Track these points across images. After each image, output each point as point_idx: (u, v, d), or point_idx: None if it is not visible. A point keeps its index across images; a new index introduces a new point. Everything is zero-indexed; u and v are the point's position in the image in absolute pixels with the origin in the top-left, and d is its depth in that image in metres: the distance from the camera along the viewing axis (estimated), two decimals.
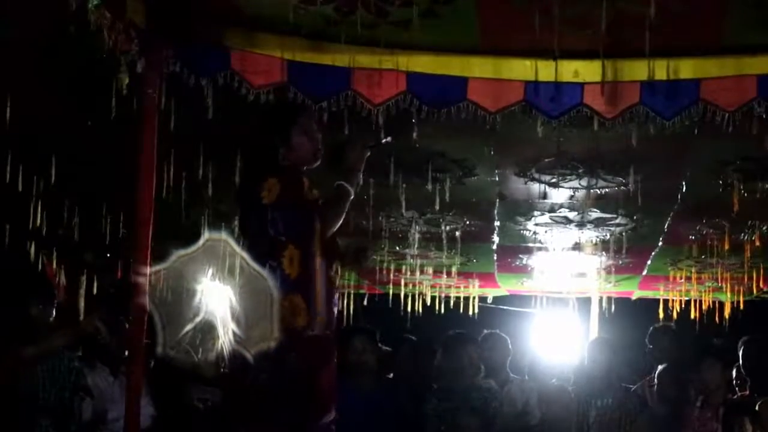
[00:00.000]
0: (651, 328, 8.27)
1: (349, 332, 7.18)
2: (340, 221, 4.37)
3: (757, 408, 6.64)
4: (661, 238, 8.90)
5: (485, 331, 7.94)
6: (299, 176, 4.34)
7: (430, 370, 7.64)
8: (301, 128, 4.48)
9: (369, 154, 4.55)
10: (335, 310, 4.45)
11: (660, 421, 7.12)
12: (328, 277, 4.35)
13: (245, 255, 4.23)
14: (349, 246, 4.68)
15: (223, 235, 4.63)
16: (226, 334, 4.30)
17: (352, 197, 4.42)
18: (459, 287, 11.83)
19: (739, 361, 7.54)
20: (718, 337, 8.44)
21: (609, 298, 12.10)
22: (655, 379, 7.38)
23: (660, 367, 7.41)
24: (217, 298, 4.49)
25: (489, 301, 12.74)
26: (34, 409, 5.96)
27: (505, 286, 12.20)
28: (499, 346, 7.71)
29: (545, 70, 4.96)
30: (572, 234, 8.88)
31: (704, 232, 8.54)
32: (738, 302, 11.23)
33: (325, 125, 4.81)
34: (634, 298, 12.58)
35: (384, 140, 4.78)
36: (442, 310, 11.81)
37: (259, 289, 4.16)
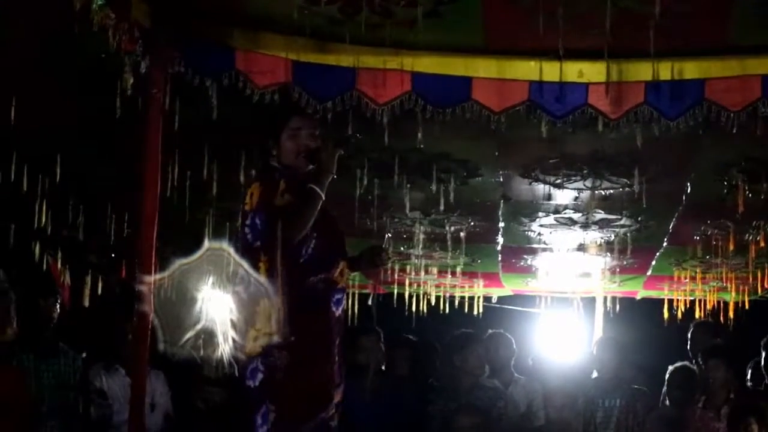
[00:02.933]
0: (692, 324, 8.31)
1: (355, 332, 7.17)
2: (308, 225, 4.24)
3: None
4: (665, 239, 8.89)
5: (490, 331, 7.94)
6: (278, 181, 4.27)
7: (432, 370, 7.65)
8: (290, 132, 4.40)
9: (340, 153, 4.44)
10: (336, 310, 4.41)
11: (667, 422, 7.12)
12: (300, 282, 4.27)
13: (241, 261, 4.22)
14: (365, 248, 4.63)
15: (224, 243, 4.61)
16: (226, 340, 4.30)
17: (322, 200, 4.30)
18: (463, 287, 11.82)
19: (761, 359, 7.51)
20: (721, 336, 8.43)
21: (613, 298, 12.09)
22: (666, 380, 7.38)
23: (670, 368, 7.41)
24: (219, 303, 4.48)
25: (494, 300, 12.73)
26: (40, 410, 5.96)
27: (509, 286, 12.19)
28: (504, 346, 7.71)
29: (550, 71, 4.95)
30: (577, 235, 8.87)
31: (709, 232, 8.54)
32: (743, 302, 11.22)
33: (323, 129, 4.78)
34: (638, 298, 12.57)
35: (353, 137, 4.74)
36: (447, 310, 11.80)
37: (255, 294, 4.16)
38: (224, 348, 4.35)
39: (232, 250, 4.33)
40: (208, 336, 6.35)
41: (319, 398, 4.28)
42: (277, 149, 4.37)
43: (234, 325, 4.24)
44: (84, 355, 6.64)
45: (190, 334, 6.13)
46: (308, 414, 4.23)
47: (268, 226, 4.16)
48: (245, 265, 4.15)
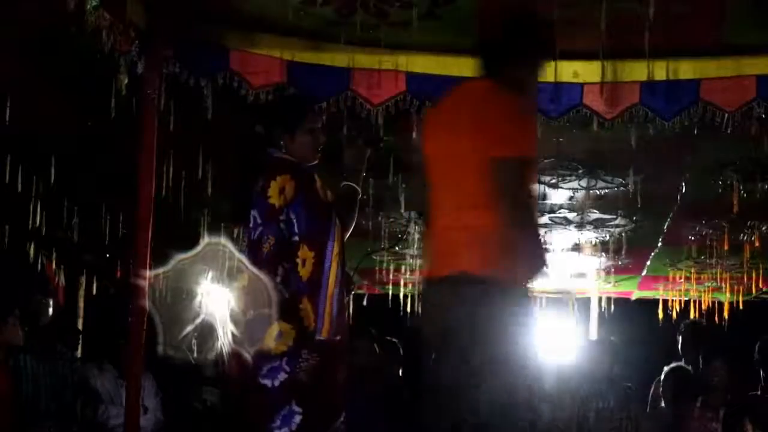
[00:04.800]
0: (682, 324, 8.31)
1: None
2: (354, 221, 4.30)
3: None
4: (660, 239, 8.90)
5: None
6: (312, 175, 4.24)
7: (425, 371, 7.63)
8: (307, 126, 4.36)
9: (370, 152, 4.45)
10: (345, 312, 4.40)
11: (662, 422, 7.12)
12: (343, 279, 4.26)
13: (244, 258, 4.15)
14: None
15: (223, 239, 4.56)
16: (225, 335, 4.25)
17: (360, 196, 4.35)
18: None
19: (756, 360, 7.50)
20: (712, 337, 8.42)
21: (608, 299, 12.09)
22: (661, 380, 7.38)
23: (666, 368, 7.41)
24: (217, 300, 4.44)
25: None
26: (37, 411, 5.95)
27: None
28: None
29: (545, 71, 4.94)
30: (572, 234, 8.87)
31: (703, 232, 8.54)
32: (737, 302, 11.23)
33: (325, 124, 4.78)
34: (633, 298, 12.58)
35: (383, 138, 4.71)
36: None
37: (259, 291, 4.10)
38: (223, 346, 4.30)
39: (232, 248, 4.27)
40: (206, 332, 6.36)
41: (342, 399, 4.23)
42: (289, 143, 4.28)
43: (235, 323, 4.17)
44: (79, 355, 6.64)
45: (187, 329, 6.15)
46: (335, 415, 4.17)
47: (316, 219, 4.10)
48: (281, 262, 4.06)
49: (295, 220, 4.07)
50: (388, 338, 7.99)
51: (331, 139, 4.51)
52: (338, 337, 4.14)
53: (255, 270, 4.03)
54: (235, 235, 4.50)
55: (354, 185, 4.30)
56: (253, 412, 4.11)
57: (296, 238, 4.06)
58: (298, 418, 4.02)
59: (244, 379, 4.12)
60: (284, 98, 4.66)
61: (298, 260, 4.05)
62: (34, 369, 6.04)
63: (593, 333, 12.16)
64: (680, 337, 8.07)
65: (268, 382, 4.04)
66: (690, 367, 7.45)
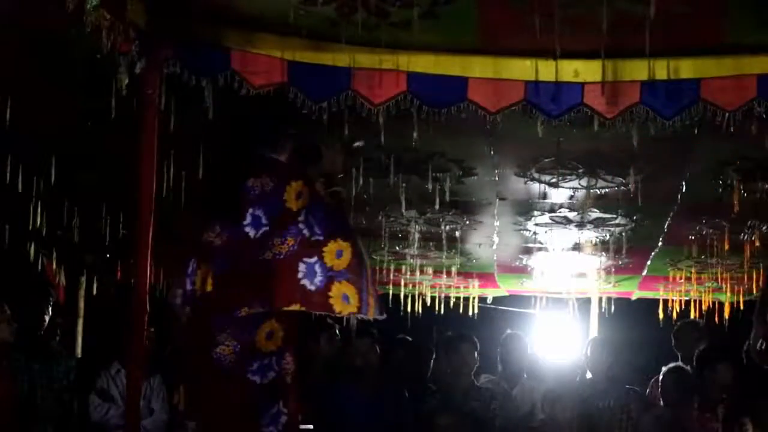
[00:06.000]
0: (677, 324, 8.30)
1: (350, 335, 7.16)
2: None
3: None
4: (660, 239, 8.90)
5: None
6: (315, 178, 4.28)
7: (426, 371, 7.64)
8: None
9: (344, 158, 4.49)
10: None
11: (664, 422, 7.12)
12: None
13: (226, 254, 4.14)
14: None
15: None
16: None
17: (344, 197, 4.39)
18: (459, 287, 11.82)
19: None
20: (707, 336, 8.42)
21: (609, 299, 12.09)
22: (660, 381, 7.38)
23: (664, 369, 7.41)
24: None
25: (489, 301, 12.73)
26: (33, 411, 5.95)
27: (504, 286, 12.19)
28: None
29: (545, 70, 4.95)
30: (572, 234, 8.87)
31: (704, 232, 8.54)
32: (738, 302, 11.23)
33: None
34: (633, 298, 12.58)
35: (355, 145, 4.76)
36: (442, 311, 11.80)
37: (250, 289, 4.11)
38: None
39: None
40: None
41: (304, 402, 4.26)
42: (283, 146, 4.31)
43: (235, 319, 4.16)
44: (79, 355, 6.63)
45: None
46: (306, 417, 4.20)
47: (334, 216, 4.14)
48: (302, 259, 4.08)
49: (315, 221, 4.11)
50: (401, 336, 8.01)
51: (311, 144, 4.53)
52: (384, 316, 4.20)
53: (246, 267, 4.06)
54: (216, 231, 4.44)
55: (339, 189, 4.35)
56: (242, 408, 4.11)
57: (320, 237, 4.10)
58: (284, 419, 4.07)
59: (227, 372, 4.11)
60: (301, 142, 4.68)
61: (325, 254, 4.09)
62: (29, 368, 6.03)
63: (594, 333, 12.16)
64: (676, 336, 8.08)
65: (257, 379, 4.06)
66: (689, 367, 7.46)
